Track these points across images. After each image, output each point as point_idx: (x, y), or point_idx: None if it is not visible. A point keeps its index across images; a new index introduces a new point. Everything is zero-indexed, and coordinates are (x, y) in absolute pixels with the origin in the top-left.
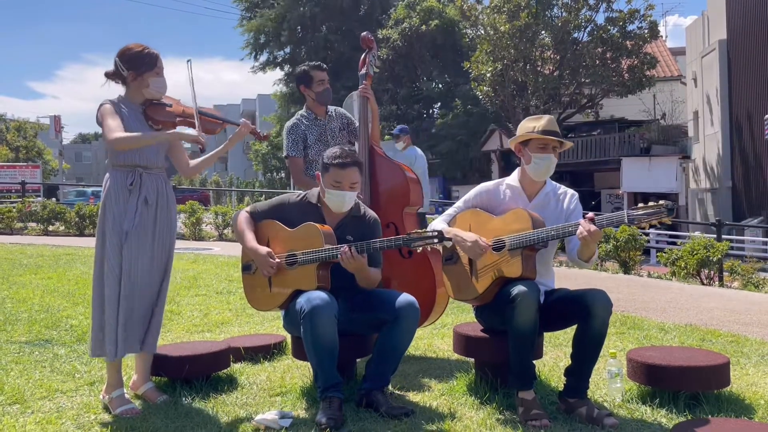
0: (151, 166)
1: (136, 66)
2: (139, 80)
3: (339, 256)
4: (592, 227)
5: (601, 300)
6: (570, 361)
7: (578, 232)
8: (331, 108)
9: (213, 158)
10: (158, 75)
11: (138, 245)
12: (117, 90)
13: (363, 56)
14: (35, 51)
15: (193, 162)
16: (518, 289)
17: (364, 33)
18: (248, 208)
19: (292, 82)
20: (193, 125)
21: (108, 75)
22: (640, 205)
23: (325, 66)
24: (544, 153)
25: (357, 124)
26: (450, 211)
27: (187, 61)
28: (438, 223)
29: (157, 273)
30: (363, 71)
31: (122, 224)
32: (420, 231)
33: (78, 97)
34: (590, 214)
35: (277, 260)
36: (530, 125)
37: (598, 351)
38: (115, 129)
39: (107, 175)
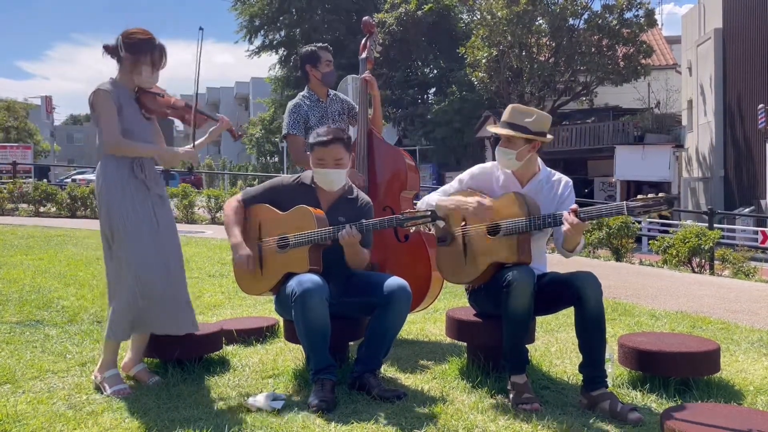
0: None
1: (135, 51)
2: (132, 66)
3: (337, 232)
4: (575, 220)
5: (589, 281)
6: (581, 357)
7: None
8: (331, 91)
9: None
10: (154, 66)
11: (148, 232)
12: (107, 71)
13: (364, 41)
14: (25, 30)
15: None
16: (513, 274)
17: (365, 17)
18: (240, 195)
19: (288, 65)
20: (180, 117)
21: (106, 48)
22: (640, 196)
23: (330, 48)
24: (505, 147)
25: (357, 108)
26: (446, 187)
27: (200, 28)
28: (433, 196)
29: (172, 257)
30: (363, 56)
31: (130, 214)
32: (413, 210)
33: (68, 77)
34: (573, 206)
35: (252, 268)
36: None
37: (603, 333)
38: (116, 131)
39: (102, 162)
